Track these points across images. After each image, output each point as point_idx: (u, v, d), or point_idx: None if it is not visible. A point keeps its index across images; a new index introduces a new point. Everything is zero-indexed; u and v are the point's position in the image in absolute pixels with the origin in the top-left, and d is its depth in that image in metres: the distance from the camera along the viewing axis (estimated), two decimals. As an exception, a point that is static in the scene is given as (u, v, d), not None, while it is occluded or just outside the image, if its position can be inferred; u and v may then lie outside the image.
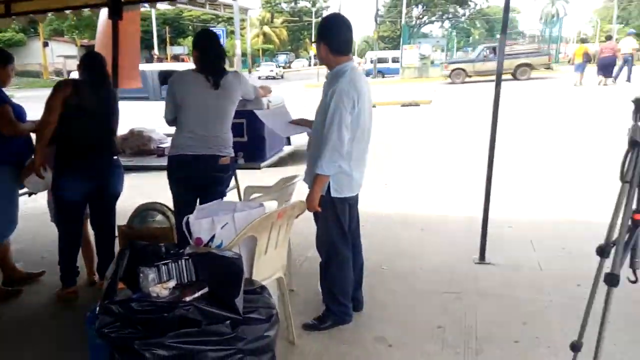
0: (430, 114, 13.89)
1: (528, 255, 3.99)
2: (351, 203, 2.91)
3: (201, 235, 2.40)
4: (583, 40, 24.25)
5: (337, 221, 2.83)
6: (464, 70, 23.53)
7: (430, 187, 6.25)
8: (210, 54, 3.08)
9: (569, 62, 29.69)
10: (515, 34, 65.02)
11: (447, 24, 54.90)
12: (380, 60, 32.41)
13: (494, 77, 3.79)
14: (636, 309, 2.99)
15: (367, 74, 30.79)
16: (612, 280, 1.86)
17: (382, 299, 3.34)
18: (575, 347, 2.04)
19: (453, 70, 23.71)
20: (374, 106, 3.26)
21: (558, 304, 3.18)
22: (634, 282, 1.90)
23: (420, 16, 51.88)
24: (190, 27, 47.08)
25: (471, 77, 23.14)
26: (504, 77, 3.96)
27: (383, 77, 30.71)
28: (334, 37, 2.74)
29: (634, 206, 1.87)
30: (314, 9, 57.21)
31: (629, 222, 1.87)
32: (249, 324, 1.94)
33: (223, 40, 17.81)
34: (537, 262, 3.84)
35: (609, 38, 21.52)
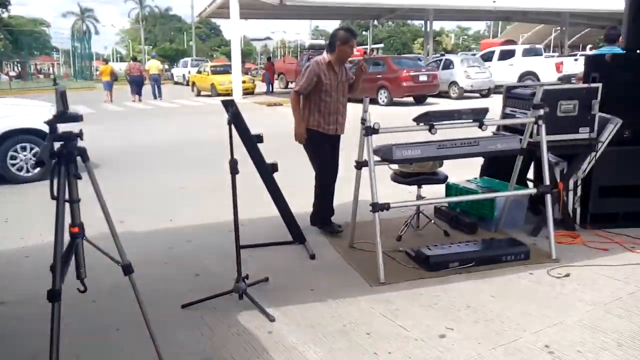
0: None
1: (44, 284, 3.81)
2: None
3: None
4: (106, 60, 25.48)
5: None
6: None
7: None
8: None
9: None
10: (48, 49, 62.18)
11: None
12: None
13: None
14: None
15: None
16: (53, 296, 1.90)
17: None
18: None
19: None
20: None
21: (70, 328, 3.16)
22: (84, 291, 2.03)
23: None
24: None
25: None
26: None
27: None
28: None
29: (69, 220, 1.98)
30: None
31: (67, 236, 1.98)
32: None
33: None
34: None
35: (134, 59, 23.97)
